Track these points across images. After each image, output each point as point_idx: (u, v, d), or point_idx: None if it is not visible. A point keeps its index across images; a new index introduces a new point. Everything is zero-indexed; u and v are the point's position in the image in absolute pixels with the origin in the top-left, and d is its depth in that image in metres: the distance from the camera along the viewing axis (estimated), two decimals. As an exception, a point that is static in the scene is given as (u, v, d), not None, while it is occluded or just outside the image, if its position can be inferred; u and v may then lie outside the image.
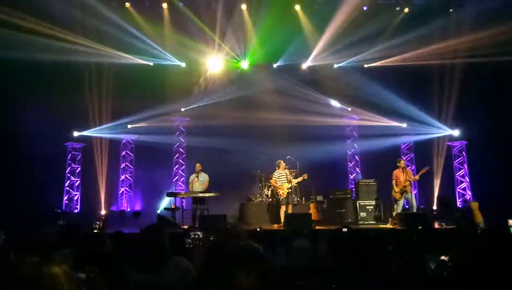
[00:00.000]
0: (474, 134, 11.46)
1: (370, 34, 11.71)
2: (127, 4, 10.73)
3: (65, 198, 11.62)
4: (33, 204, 9.91)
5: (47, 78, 10.67)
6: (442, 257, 2.03)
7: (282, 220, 8.71)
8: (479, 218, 3.47)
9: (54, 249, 3.26)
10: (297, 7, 11.26)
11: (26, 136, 10.25)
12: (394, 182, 9.02)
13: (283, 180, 9.05)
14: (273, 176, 9.26)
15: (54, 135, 11.33)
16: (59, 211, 11.28)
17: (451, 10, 11.32)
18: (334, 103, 13.31)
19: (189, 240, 2.94)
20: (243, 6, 11.10)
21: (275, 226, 8.95)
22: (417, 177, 9.30)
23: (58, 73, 10.71)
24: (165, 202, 11.50)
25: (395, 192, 8.95)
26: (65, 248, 3.17)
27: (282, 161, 9.32)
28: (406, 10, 11.25)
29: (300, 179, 9.22)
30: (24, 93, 10.38)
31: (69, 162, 11.81)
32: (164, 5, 10.98)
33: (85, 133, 11.86)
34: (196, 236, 2.95)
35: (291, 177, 9.18)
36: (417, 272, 2.17)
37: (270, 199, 10.20)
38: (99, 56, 11.68)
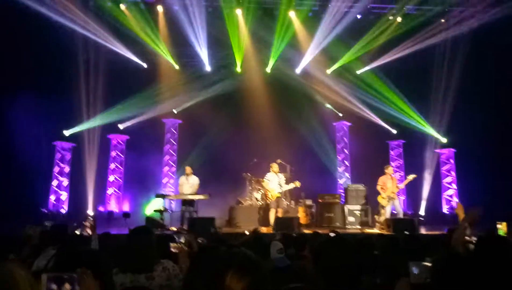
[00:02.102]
0: (463, 141, 11.64)
1: (363, 41, 11.88)
2: (122, 6, 10.71)
3: (53, 198, 11.48)
4: (19, 204, 9.76)
5: (36, 75, 10.56)
6: (424, 263, 2.06)
7: (272, 223, 8.73)
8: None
9: (39, 249, 3.23)
10: (292, 13, 11.35)
11: (15, 134, 10.12)
12: (379, 187, 9.06)
13: (273, 183, 9.05)
14: (265, 177, 9.25)
15: (43, 134, 11.20)
16: (45, 211, 11.14)
17: (442, 20, 11.51)
18: (326, 108, 13.44)
19: (175, 244, 2.94)
20: (238, 11, 11.15)
21: (264, 229, 8.95)
22: (402, 185, 9.43)
23: (48, 71, 10.61)
24: (154, 203, 11.44)
25: (382, 198, 9.01)
26: (50, 249, 3.15)
27: (275, 164, 9.29)
28: (399, 19, 11.42)
29: (291, 187, 9.19)
30: (13, 91, 10.25)
31: (58, 161, 11.67)
32: (160, 8, 10.99)
33: (74, 130, 11.75)
34: (182, 239, 2.95)
35: (283, 182, 9.16)
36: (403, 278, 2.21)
37: (261, 203, 10.21)
38: (93, 52, 11.68)
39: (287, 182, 9.27)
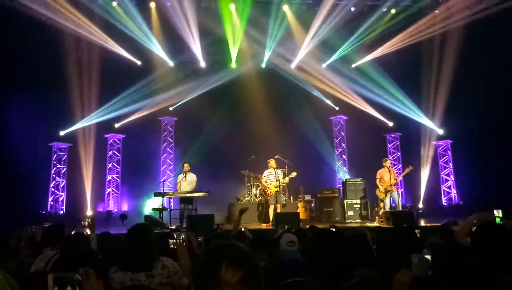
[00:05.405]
0: (459, 132, 11.67)
1: (358, 34, 11.85)
2: (114, 3, 10.62)
3: (50, 199, 11.42)
4: (18, 206, 9.70)
5: (29, 76, 10.47)
6: (427, 255, 2.05)
7: (271, 219, 8.73)
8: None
9: (38, 250, 3.20)
10: (286, 7, 11.29)
11: (10, 136, 10.04)
12: (378, 181, 9.10)
13: (272, 179, 9.07)
14: (263, 174, 9.27)
15: (39, 135, 11.13)
16: (44, 212, 11.09)
17: (436, 11, 11.50)
18: (322, 102, 13.42)
19: (173, 241, 2.92)
20: (232, 6, 11.08)
21: (264, 225, 8.96)
22: (400, 177, 9.49)
23: (41, 71, 10.51)
24: (153, 202, 11.40)
25: (380, 191, 9.04)
26: (48, 250, 3.12)
27: (273, 160, 9.31)
28: (393, 11, 11.40)
29: (287, 179, 9.24)
30: (6, 93, 10.16)
31: (55, 162, 11.60)
32: (152, 5, 10.91)
33: (70, 130, 11.66)
34: (181, 236, 2.93)
35: (281, 177, 9.18)
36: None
37: (259, 199, 10.20)
38: (86, 51, 11.58)
39: (285, 177, 9.31)
